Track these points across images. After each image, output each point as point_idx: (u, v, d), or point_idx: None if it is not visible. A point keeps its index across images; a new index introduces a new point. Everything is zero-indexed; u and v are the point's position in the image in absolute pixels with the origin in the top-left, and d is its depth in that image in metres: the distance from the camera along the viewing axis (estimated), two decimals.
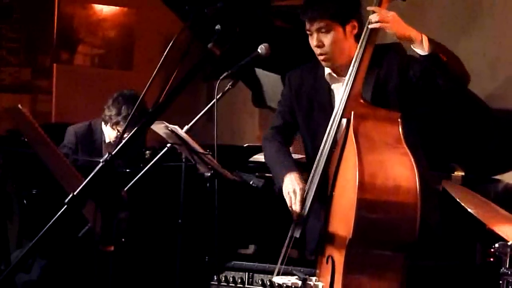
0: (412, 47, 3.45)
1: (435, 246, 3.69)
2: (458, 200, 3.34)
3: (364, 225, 3.26)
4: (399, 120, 3.43)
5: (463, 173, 4.99)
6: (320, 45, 3.63)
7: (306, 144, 3.83)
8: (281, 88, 5.47)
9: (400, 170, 3.32)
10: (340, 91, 3.57)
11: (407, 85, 3.57)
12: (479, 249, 4.55)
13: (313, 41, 3.65)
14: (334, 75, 3.71)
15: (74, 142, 5.38)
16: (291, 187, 3.65)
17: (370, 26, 3.47)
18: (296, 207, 3.60)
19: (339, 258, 3.36)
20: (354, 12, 3.65)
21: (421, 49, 3.42)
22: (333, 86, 3.72)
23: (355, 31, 3.61)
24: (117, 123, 5.29)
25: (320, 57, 3.66)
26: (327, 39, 3.62)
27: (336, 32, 3.61)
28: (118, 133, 5.28)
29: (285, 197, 3.67)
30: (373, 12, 3.47)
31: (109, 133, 5.38)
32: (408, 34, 3.43)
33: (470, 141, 4.93)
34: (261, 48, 3.84)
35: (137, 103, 3.01)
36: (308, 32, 3.67)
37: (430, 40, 3.41)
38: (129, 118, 3.57)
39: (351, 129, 3.39)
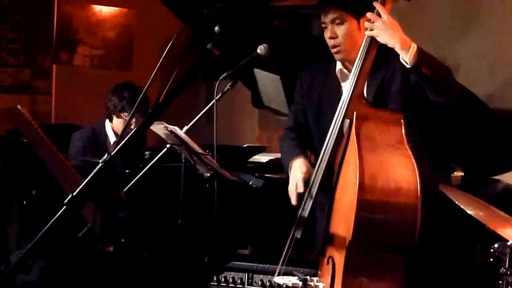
0: (400, 57, 3.43)
1: (435, 247, 3.69)
2: (457, 203, 3.34)
3: (364, 226, 3.25)
4: (402, 121, 3.42)
5: (462, 174, 4.99)
6: (334, 36, 3.63)
7: (314, 141, 3.83)
8: (280, 88, 5.51)
9: (401, 172, 3.31)
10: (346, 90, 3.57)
11: (408, 89, 3.57)
12: (478, 249, 4.55)
13: (327, 33, 3.65)
14: (345, 71, 3.70)
15: (82, 148, 5.40)
16: (292, 174, 3.70)
17: (366, 33, 3.49)
18: (296, 191, 3.65)
19: (339, 259, 3.35)
20: (369, 6, 3.64)
21: (406, 60, 3.40)
22: (343, 84, 3.72)
23: None
24: (122, 109, 5.33)
25: (333, 49, 3.66)
26: (340, 30, 3.62)
27: (350, 24, 3.61)
28: (127, 119, 5.31)
29: (290, 183, 3.71)
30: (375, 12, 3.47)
31: (116, 127, 5.40)
32: (392, 43, 3.40)
33: (469, 142, 4.93)
34: (261, 49, 3.83)
35: (142, 93, 3.01)
36: (323, 25, 3.67)
37: (418, 52, 3.37)
38: (136, 103, 3.58)
39: (353, 130, 3.39)
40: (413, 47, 3.37)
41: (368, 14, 3.45)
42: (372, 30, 3.43)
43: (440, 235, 3.71)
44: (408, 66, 3.38)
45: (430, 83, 3.43)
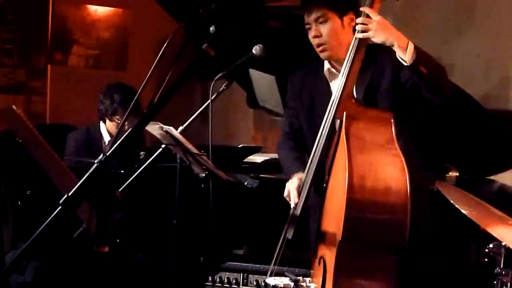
0: (397, 54, 3.44)
1: (427, 247, 3.69)
2: (451, 201, 3.34)
3: (354, 226, 3.25)
4: (392, 120, 3.43)
5: (457, 174, 5.00)
6: (318, 35, 3.64)
7: (308, 142, 3.83)
8: (275, 88, 5.51)
9: (390, 171, 3.32)
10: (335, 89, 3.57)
11: (398, 86, 3.57)
12: (473, 249, 4.56)
13: (311, 33, 3.66)
14: (333, 70, 3.70)
15: (75, 148, 5.40)
16: (290, 182, 3.70)
17: (356, 35, 3.48)
18: (292, 197, 3.64)
19: (330, 259, 3.36)
20: (352, 4, 3.65)
21: (404, 58, 3.40)
22: (332, 84, 3.72)
23: (353, 23, 3.60)
24: (114, 112, 5.33)
25: (318, 48, 3.66)
26: (324, 28, 3.63)
27: (334, 22, 3.62)
28: (120, 122, 5.31)
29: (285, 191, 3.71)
30: (364, 15, 3.47)
31: (111, 128, 5.40)
32: (390, 42, 3.41)
33: (464, 142, 4.93)
34: (256, 49, 3.83)
35: (136, 95, 3.02)
36: (307, 26, 3.68)
37: (416, 50, 3.37)
38: (130, 106, 3.64)
39: (343, 130, 3.39)
40: (411, 45, 3.38)
41: (359, 19, 3.45)
42: (366, 32, 3.42)
43: (430, 234, 3.70)
44: (406, 65, 3.38)
45: (426, 81, 3.43)
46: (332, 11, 3.62)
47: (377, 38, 3.42)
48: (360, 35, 3.45)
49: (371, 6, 3.47)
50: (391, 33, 3.41)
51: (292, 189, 3.67)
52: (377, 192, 3.28)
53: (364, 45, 3.49)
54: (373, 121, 3.44)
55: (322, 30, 3.64)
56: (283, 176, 3.88)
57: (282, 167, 3.96)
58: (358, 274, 3.32)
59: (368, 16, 3.43)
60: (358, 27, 3.45)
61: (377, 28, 3.41)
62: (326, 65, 3.74)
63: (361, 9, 3.48)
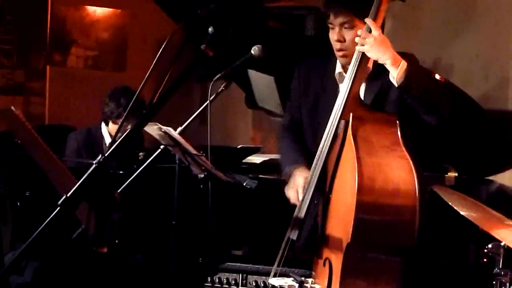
0: (390, 75, 3.44)
1: (426, 248, 3.68)
2: (450, 203, 3.34)
3: (363, 229, 3.23)
4: (397, 122, 3.42)
5: (456, 174, 4.99)
6: (342, 40, 3.62)
7: (307, 139, 3.82)
8: (274, 89, 5.51)
9: (399, 173, 3.30)
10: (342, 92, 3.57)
11: (404, 99, 3.56)
12: (472, 249, 4.56)
13: (334, 35, 3.64)
14: (344, 74, 3.69)
15: (76, 148, 5.39)
16: (294, 181, 3.67)
17: (356, 48, 3.49)
18: (298, 198, 3.62)
19: (336, 261, 3.34)
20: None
21: (394, 77, 3.41)
22: (341, 86, 3.71)
23: None
24: (119, 116, 5.32)
25: (339, 53, 3.65)
26: (349, 35, 3.61)
27: (359, 29, 3.60)
28: (125, 125, 5.30)
29: (292, 190, 3.69)
30: (366, 28, 3.47)
31: (113, 131, 5.40)
32: (383, 60, 3.42)
33: (463, 142, 4.93)
34: (254, 50, 3.83)
35: (135, 95, 3.02)
36: (330, 26, 3.65)
37: (407, 71, 3.38)
38: (129, 107, 3.66)
39: (349, 132, 3.38)
40: (403, 64, 3.39)
41: (359, 31, 3.46)
42: (363, 45, 3.43)
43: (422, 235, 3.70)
44: (396, 85, 3.39)
45: (418, 103, 3.45)
46: (360, 18, 3.60)
47: (370, 54, 3.44)
48: (358, 48, 3.46)
49: (375, 17, 3.47)
50: (385, 51, 3.42)
51: (294, 198, 3.66)
52: (387, 194, 3.26)
53: (368, 57, 3.49)
54: (379, 123, 3.44)
55: (346, 36, 3.61)
56: (282, 164, 3.84)
57: (281, 156, 3.92)
58: (366, 275, 3.30)
59: (369, 29, 3.44)
60: (356, 40, 3.46)
61: (373, 45, 3.42)
62: (338, 68, 3.70)
63: (366, 20, 3.47)
